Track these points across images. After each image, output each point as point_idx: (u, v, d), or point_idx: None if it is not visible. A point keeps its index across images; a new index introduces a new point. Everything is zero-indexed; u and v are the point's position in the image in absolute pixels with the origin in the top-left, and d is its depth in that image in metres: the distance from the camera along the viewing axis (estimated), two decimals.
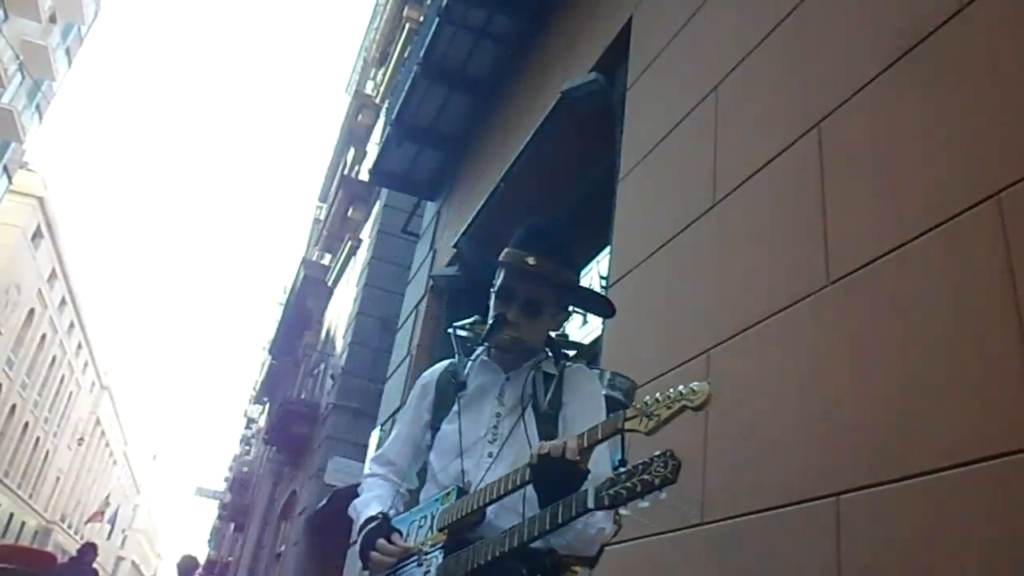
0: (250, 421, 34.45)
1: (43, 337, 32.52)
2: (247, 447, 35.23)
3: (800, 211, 2.40)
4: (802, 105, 2.53)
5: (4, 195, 26.71)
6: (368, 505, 1.78)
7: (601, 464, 1.58)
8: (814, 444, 2.10)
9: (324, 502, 9.80)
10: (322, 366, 14.37)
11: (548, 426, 1.69)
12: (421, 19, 9.76)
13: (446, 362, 1.93)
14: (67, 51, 29.63)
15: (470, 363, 1.86)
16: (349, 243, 14.07)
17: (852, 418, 1.99)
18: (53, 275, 32.60)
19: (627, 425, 1.36)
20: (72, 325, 36.94)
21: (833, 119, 2.36)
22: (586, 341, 4.68)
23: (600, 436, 1.40)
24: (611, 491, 1.34)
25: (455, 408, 1.79)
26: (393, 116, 7.54)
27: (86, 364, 41.25)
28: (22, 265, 28.83)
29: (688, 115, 3.26)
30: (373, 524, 1.68)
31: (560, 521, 1.41)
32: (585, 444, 1.40)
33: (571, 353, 2.20)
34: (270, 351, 22.84)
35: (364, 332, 11.32)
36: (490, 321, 1.76)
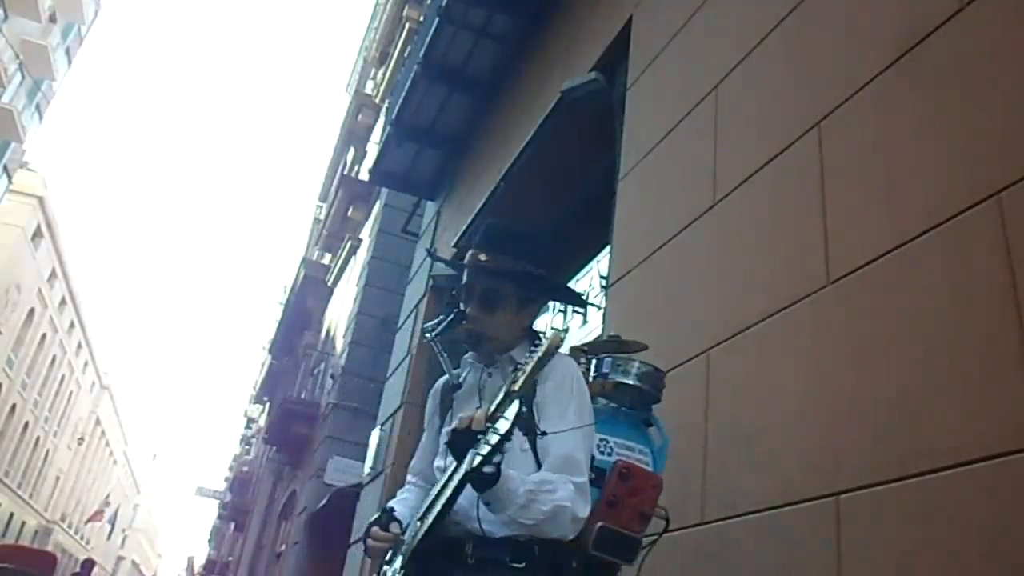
0: (250, 421, 34.46)
1: (43, 337, 32.52)
2: (247, 447, 35.24)
3: (800, 211, 2.40)
4: (802, 105, 2.53)
5: (4, 195, 26.71)
6: (395, 507, 1.89)
7: (557, 443, 1.62)
8: (814, 444, 2.10)
9: (324, 502, 9.80)
10: (322, 366, 14.38)
11: (526, 415, 1.74)
12: (421, 19, 9.77)
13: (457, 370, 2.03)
14: (67, 51, 29.63)
15: (463, 366, 1.95)
16: (349, 243, 14.08)
17: (852, 418, 1.99)
18: (53, 275, 32.59)
19: (512, 388, 1.43)
20: (72, 325, 36.94)
21: (833, 119, 2.36)
22: (586, 341, 4.68)
23: (497, 403, 1.46)
24: (477, 452, 1.42)
25: (451, 409, 1.89)
26: (393, 116, 7.54)
27: (86, 364, 41.25)
28: (22, 265, 28.82)
29: (688, 115, 3.26)
30: (375, 517, 1.78)
31: (453, 486, 1.49)
32: (489, 412, 1.45)
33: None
34: (270, 351, 22.85)
35: (364, 332, 11.32)
36: (449, 318, 1.85)
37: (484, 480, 1.46)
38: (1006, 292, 1.66)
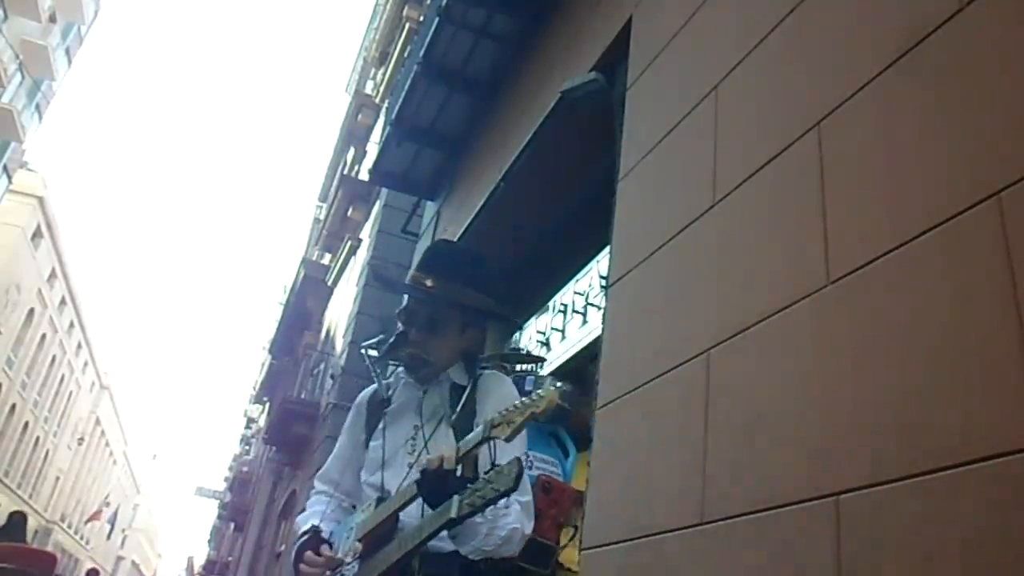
0: (250, 421, 34.47)
1: (43, 337, 32.53)
2: (247, 447, 35.24)
3: (800, 211, 2.40)
4: (802, 105, 2.53)
5: (4, 195, 26.71)
6: (307, 520, 1.88)
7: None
8: (814, 444, 2.10)
9: None
10: (322, 366, 14.38)
11: (465, 433, 1.76)
12: (421, 19, 9.76)
13: (376, 384, 2.04)
14: (67, 51, 29.64)
15: (394, 382, 1.96)
16: (349, 243, 14.08)
17: (852, 418, 1.99)
18: (53, 275, 32.60)
19: (494, 432, 1.45)
20: (72, 325, 36.95)
21: (833, 119, 2.36)
22: (586, 341, 4.68)
23: (472, 445, 1.48)
24: (468, 500, 1.42)
25: (381, 424, 1.91)
26: (393, 116, 7.54)
27: (86, 364, 41.26)
28: (22, 265, 28.83)
29: (688, 115, 3.26)
30: (304, 538, 1.79)
31: (431, 531, 1.49)
32: (461, 453, 1.49)
33: (522, 366, 2.33)
34: (270, 351, 22.84)
35: (364, 332, 11.32)
36: (391, 340, 1.87)
37: (460, 521, 1.47)
38: (1006, 292, 1.66)
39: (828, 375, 2.12)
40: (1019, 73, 1.81)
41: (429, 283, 1.84)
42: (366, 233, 13.29)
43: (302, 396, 15.39)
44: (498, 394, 1.81)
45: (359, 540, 1.65)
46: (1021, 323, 1.61)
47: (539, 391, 1.46)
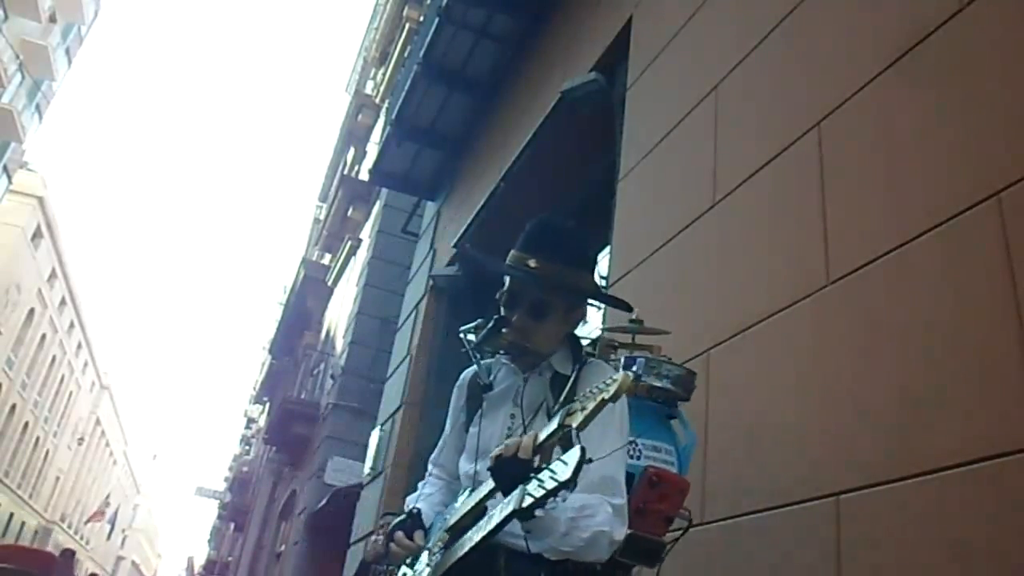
0: (250, 421, 34.46)
1: (43, 337, 32.52)
2: (247, 447, 35.23)
3: (800, 211, 2.40)
4: (802, 105, 2.53)
5: (4, 195, 26.71)
6: (413, 502, 1.83)
7: (596, 462, 1.57)
8: (814, 444, 2.10)
9: (324, 502, 9.80)
10: (322, 366, 14.38)
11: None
12: (421, 19, 9.76)
13: (475, 366, 1.95)
14: (67, 51, 29.63)
15: (495, 365, 1.87)
16: (349, 243, 14.08)
17: (852, 418, 1.99)
18: (53, 275, 32.60)
19: (568, 420, 1.36)
20: (72, 325, 36.94)
21: (833, 119, 2.36)
22: (586, 341, 4.68)
23: (548, 434, 1.39)
24: (529, 491, 1.34)
25: (480, 411, 1.81)
26: (393, 116, 7.54)
27: (86, 364, 41.25)
28: (22, 265, 28.82)
29: (688, 115, 3.26)
30: (401, 518, 1.72)
31: (495, 523, 1.41)
32: (538, 442, 1.39)
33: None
34: (270, 351, 22.84)
35: (364, 332, 11.32)
36: (491, 324, 1.76)
37: (530, 514, 1.39)
38: (1006, 292, 1.66)
39: (828, 375, 2.12)
40: (1019, 73, 1.81)
41: (533, 264, 1.70)
42: (366, 233, 13.28)
43: (302, 396, 15.38)
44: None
45: (447, 530, 1.60)
46: (1021, 323, 1.61)
47: (613, 376, 1.38)
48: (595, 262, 1.85)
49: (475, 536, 1.47)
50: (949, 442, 1.69)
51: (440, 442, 1.98)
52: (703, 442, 2.52)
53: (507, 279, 1.78)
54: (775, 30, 2.79)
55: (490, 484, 1.49)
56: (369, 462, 7.15)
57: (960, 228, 1.82)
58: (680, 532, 1.89)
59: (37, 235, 29.97)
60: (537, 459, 1.37)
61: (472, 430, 1.80)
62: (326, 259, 17.99)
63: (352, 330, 11.62)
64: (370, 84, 18.50)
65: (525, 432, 1.63)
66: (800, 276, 2.31)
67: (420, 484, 1.94)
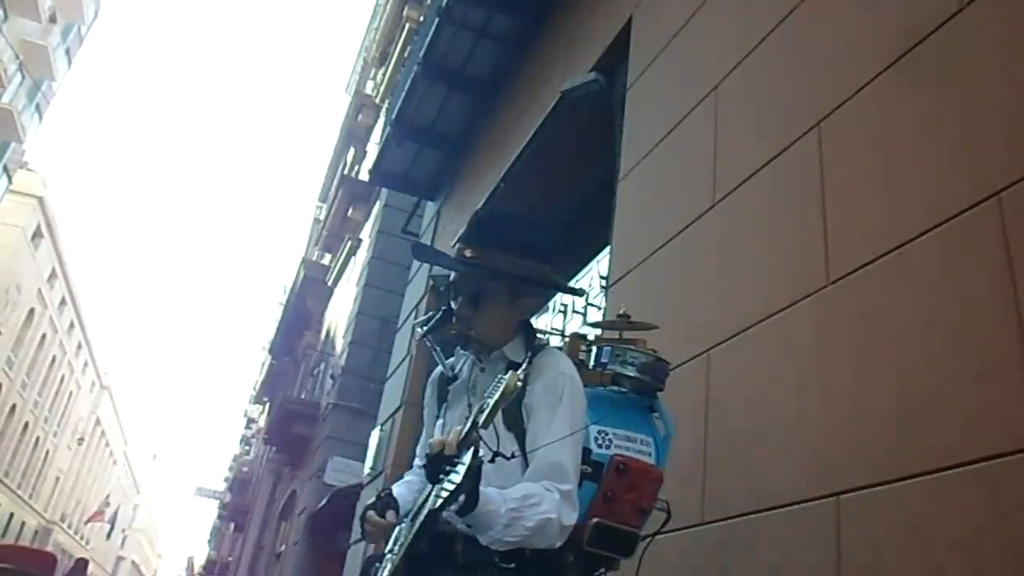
0: (250, 421, 34.46)
1: (43, 337, 32.52)
2: (247, 447, 35.24)
3: (800, 211, 2.40)
4: (802, 105, 2.53)
5: (4, 195, 26.71)
6: (394, 488, 1.84)
7: (544, 447, 1.58)
8: (814, 444, 2.10)
9: (324, 502, 9.80)
10: (322, 366, 14.38)
11: (512, 413, 1.69)
12: (421, 19, 9.76)
13: (452, 359, 1.97)
14: (67, 51, 29.63)
15: (460, 358, 1.91)
16: (349, 243, 14.08)
17: (852, 418, 1.99)
18: (53, 275, 32.60)
19: (478, 418, 1.36)
20: (72, 325, 36.94)
21: (833, 119, 2.36)
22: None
23: (464, 431, 1.39)
24: (435, 493, 1.36)
25: (446, 403, 1.85)
26: (393, 116, 7.54)
27: (86, 364, 41.26)
28: (22, 265, 28.83)
29: (688, 115, 3.26)
30: (372, 501, 1.73)
31: (419, 525, 1.42)
32: (461, 438, 1.39)
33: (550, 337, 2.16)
34: (270, 351, 22.84)
35: (364, 332, 11.32)
36: (438, 316, 1.79)
37: (462, 507, 1.41)
38: (1006, 292, 1.66)
39: (828, 375, 2.12)
40: (1019, 73, 1.81)
41: (469, 253, 1.73)
42: (366, 233, 13.28)
43: (302, 396, 15.38)
44: (549, 373, 1.69)
45: (411, 518, 1.61)
46: (1021, 323, 1.61)
47: (502, 376, 1.37)
48: (544, 249, 1.82)
49: (412, 530, 1.48)
50: (949, 442, 1.69)
51: (423, 435, 2.01)
52: (703, 442, 2.52)
53: (452, 272, 1.80)
54: (775, 30, 2.79)
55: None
56: (369, 462, 7.15)
57: (960, 228, 1.82)
58: (655, 532, 1.88)
59: (37, 235, 29.97)
60: (469, 453, 1.37)
61: (439, 422, 1.82)
62: (326, 259, 17.99)
63: (352, 330, 11.62)
64: (370, 84, 18.50)
65: None
66: (800, 276, 2.31)
67: (406, 474, 1.97)
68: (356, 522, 1.80)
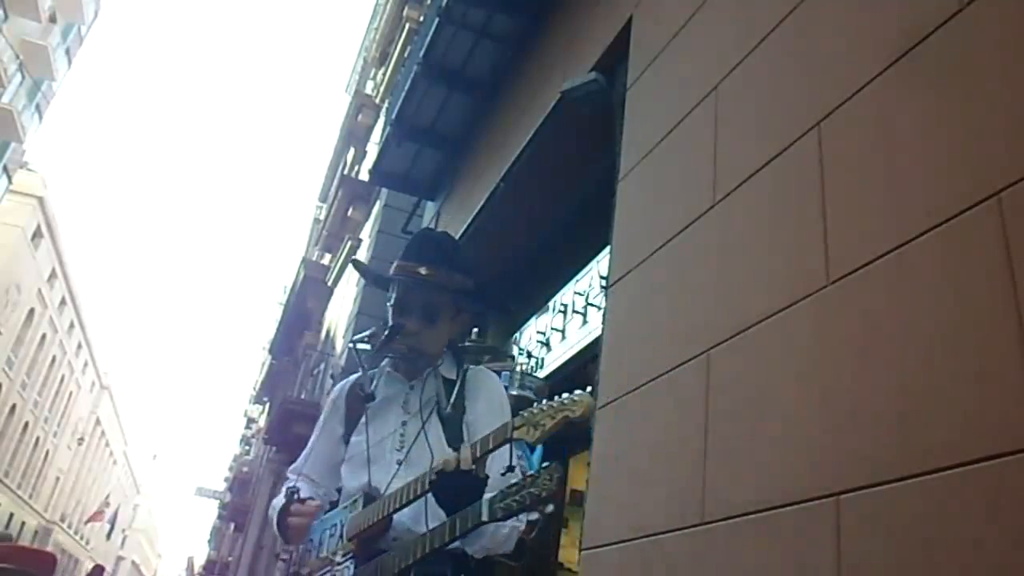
0: (250, 421, 34.47)
1: (43, 337, 32.53)
2: (247, 447, 35.24)
3: (800, 211, 2.40)
4: (802, 105, 2.53)
5: (4, 195, 26.71)
6: (282, 496, 1.85)
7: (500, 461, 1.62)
8: (814, 444, 2.10)
9: None
10: (322, 366, 14.38)
11: (453, 430, 1.74)
12: (421, 19, 9.76)
13: (354, 376, 1.98)
14: (67, 51, 29.64)
15: (376, 375, 1.91)
16: (349, 243, 14.08)
17: (852, 418, 1.99)
18: (53, 275, 32.60)
19: (516, 435, 1.41)
20: (72, 325, 36.95)
21: (833, 119, 2.36)
22: (586, 341, 4.68)
23: (491, 445, 1.45)
24: (502, 504, 1.40)
25: (363, 420, 1.85)
26: (393, 116, 7.54)
27: (86, 364, 41.26)
28: (22, 265, 28.83)
29: (688, 115, 3.26)
30: (283, 501, 1.77)
31: (458, 533, 1.47)
32: (478, 453, 1.46)
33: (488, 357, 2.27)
34: (270, 351, 22.85)
35: (364, 332, 11.30)
36: (386, 332, 1.82)
37: (482, 524, 1.45)
38: (1006, 292, 1.66)
39: (828, 375, 2.12)
40: (1019, 73, 1.81)
41: (423, 271, 1.82)
42: (366, 233, 13.29)
43: (302, 396, 15.39)
44: (488, 392, 1.78)
45: (350, 539, 1.61)
46: (1021, 323, 1.61)
47: (576, 393, 1.41)
48: (471, 270, 1.93)
49: (427, 544, 1.51)
50: (949, 442, 1.69)
51: (304, 456, 1.99)
52: (703, 442, 2.52)
53: (395, 288, 1.88)
54: (775, 30, 2.79)
55: (407, 494, 1.54)
56: None
57: (960, 228, 1.82)
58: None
59: (37, 235, 29.98)
60: (475, 470, 1.44)
61: (356, 438, 1.83)
62: (326, 259, 18.00)
63: (352, 330, 11.62)
64: (370, 84, 18.50)
65: (419, 436, 1.68)
66: (800, 276, 2.31)
67: (284, 488, 1.93)
68: (277, 528, 1.79)
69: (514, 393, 2.09)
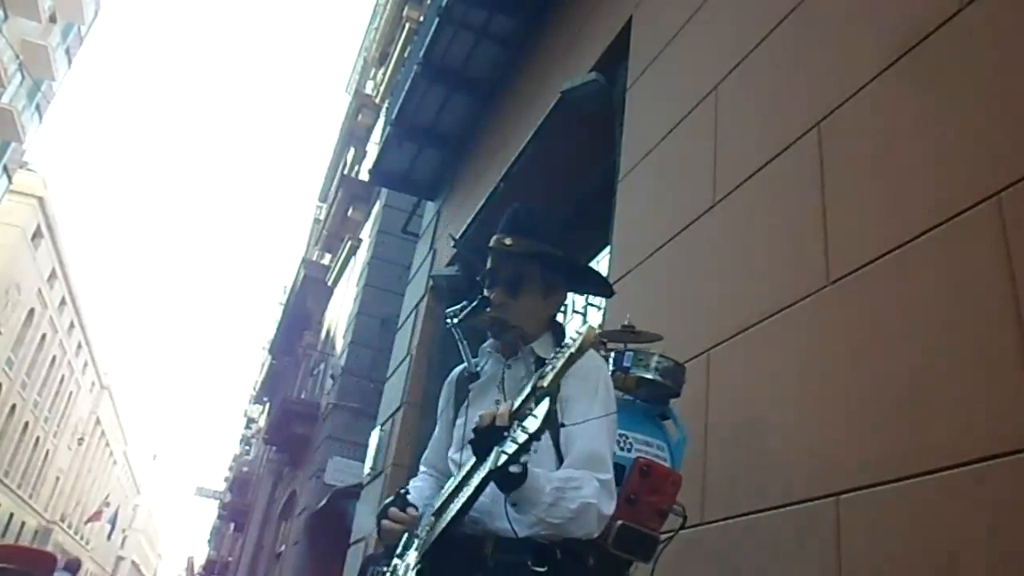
0: (250, 421, 34.46)
1: (43, 337, 32.52)
2: (247, 447, 35.24)
3: (800, 211, 2.40)
4: (802, 105, 2.53)
5: (4, 195, 26.71)
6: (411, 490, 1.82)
7: (582, 439, 1.58)
8: (814, 444, 2.10)
9: (324, 502, 9.80)
10: (322, 366, 14.38)
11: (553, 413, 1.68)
12: (421, 19, 9.76)
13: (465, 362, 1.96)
14: (67, 51, 29.63)
15: (481, 356, 1.89)
16: (349, 243, 14.08)
17: (852, 418, 1.99)
18: (53, 275, 32.60)
19: (540, 383, 1.36)
20: (72, 325, 36.94)
21: (833, 119, 2.36)
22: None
23: (521, 400, 1.39)
24: (502, 448, 1.35)
25: (467, 402, 1.82)
26: (393, 116, 7.54)
27: (86, 364, 41.25)
28: (22, 265, 28.82)
29: (688, 115, 3.26)
30: (391, 499, 1.71)
31: (472, 491, 1.42)
32: (513, 408, 1.40)
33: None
34: (270, 351, 22.85)
35: (364, 332, 11.31)
36: (472, 305, 1.80)
37: (510, 479, 1.40)
38: (1006, 292, 1.66)
39: (828, 375, 2.12)
40: (1019, 73, 1.81)
41: (508, 242, 1.79)
42: (366, 233, 13.28)
43: (302, 396, 15.38)
44: (583, 370, 1.63)
45: (433, 515, 1.59)
46: (1021, 323, 1.61)
47: (578, 330, 1.38)
48: (560, 242, 1.88)
49: (455, 505, 1.47)
50: (949, 442, 1.69)
51: (430, 444, 1.98)
52: (703, 442, 2.52)
53: (488, 260, 1.83)
54: (775, 30, 2.79)
55: (472, 460, 1.50)
56: (369, 462, 7.15)
57: (960, 228, 1.82)
58: (675, 530, 1.88)
59: (37, 235, 29.96)
60: (546, 402, 1.37)
61: (459, 420, 1.81)
62: (326, 259, 17.99)
63: (352, 330, 11.62)
64: (370, 84, 18.50)
65: None
66: (800, 276, 2.31)
67: (411, 480, 1.95)
68: (354, 522, 1.77)
69: (643, 376, 2.01)
